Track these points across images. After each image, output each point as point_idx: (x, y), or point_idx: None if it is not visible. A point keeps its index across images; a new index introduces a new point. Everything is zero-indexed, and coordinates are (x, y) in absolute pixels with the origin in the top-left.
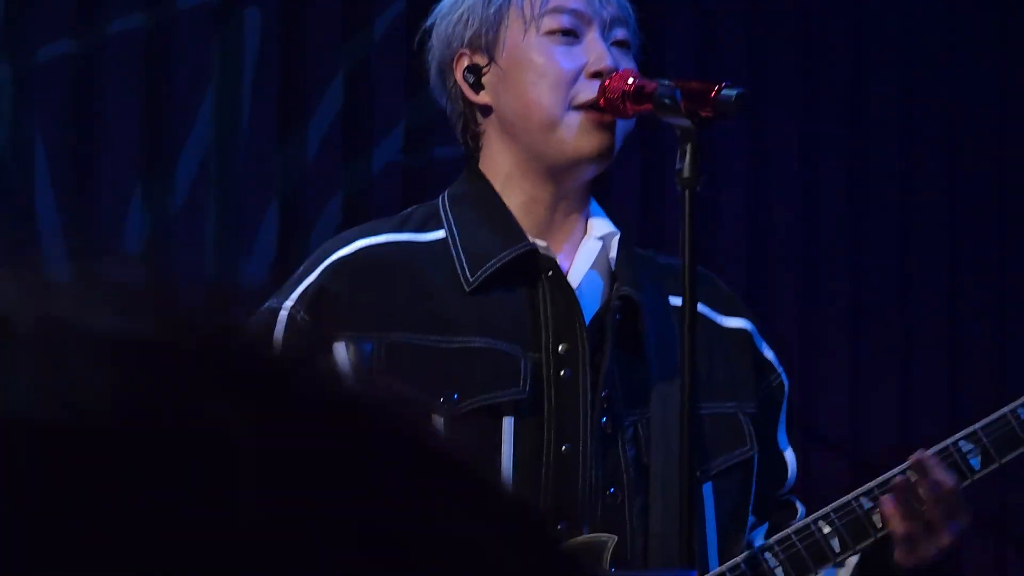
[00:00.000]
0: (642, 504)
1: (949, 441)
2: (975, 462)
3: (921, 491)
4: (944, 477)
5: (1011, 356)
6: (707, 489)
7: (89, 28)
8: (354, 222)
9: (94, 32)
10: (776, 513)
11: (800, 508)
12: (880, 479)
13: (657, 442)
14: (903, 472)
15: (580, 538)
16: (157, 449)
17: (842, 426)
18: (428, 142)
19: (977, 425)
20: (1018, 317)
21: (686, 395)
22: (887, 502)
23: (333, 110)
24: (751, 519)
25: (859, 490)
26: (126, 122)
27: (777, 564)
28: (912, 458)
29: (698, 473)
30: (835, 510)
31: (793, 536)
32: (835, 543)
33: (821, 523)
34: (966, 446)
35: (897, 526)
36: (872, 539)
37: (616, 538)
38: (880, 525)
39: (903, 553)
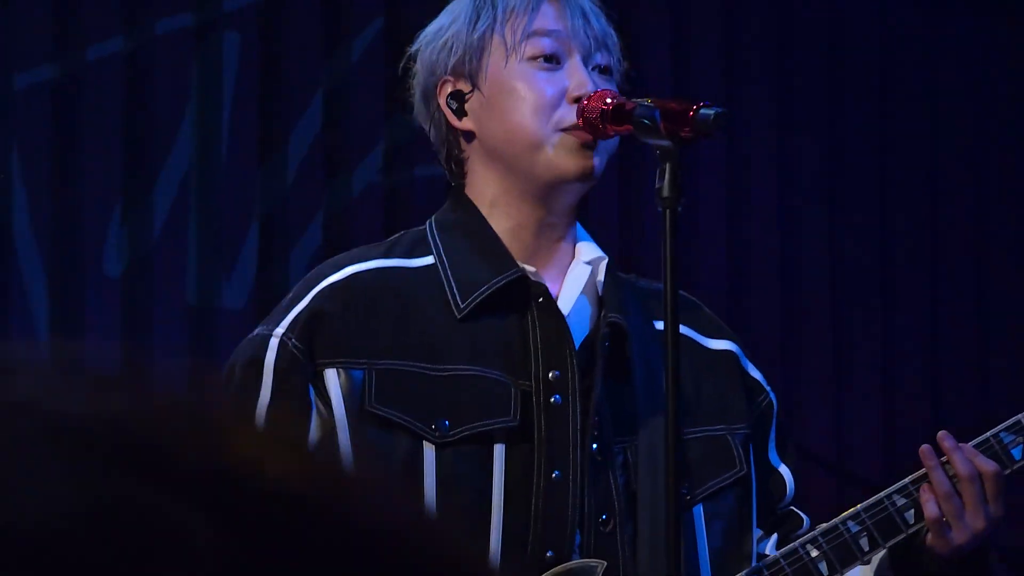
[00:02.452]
0: (632, 531)
1: (990, 433)
2: (1016, 452)
3: (956, 468)
4: (980, 458)
5: (992, 370)
6: (698, 511)
7: (67, 53)
8: (335, 243)
9: (72, 57)
10: (781, 526)
11: (804, 518)
12: (912, 476)
13: (645, 468)
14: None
15: (569, 564)
16: (118, 555)
17: (826, 441)
18: (408, 162)
19: (1021, 415)
20: (1000, 330)
21: (671, 417)
22: (924, 489)
23: (312, 131)
24: (757, 532)
25: (892, 488)
26: (105, 146)
27: (820, 555)
28: (938, 437)
29: (688, 496)
30: (865, 509)
31: (820, 537)
32: (864, 541)
33: (850, 523)
34: (1007, 437)
35: (932, 509)
36: (903, 535)
37: (605, 563)
38: (912, 522)
39: (936, 537)
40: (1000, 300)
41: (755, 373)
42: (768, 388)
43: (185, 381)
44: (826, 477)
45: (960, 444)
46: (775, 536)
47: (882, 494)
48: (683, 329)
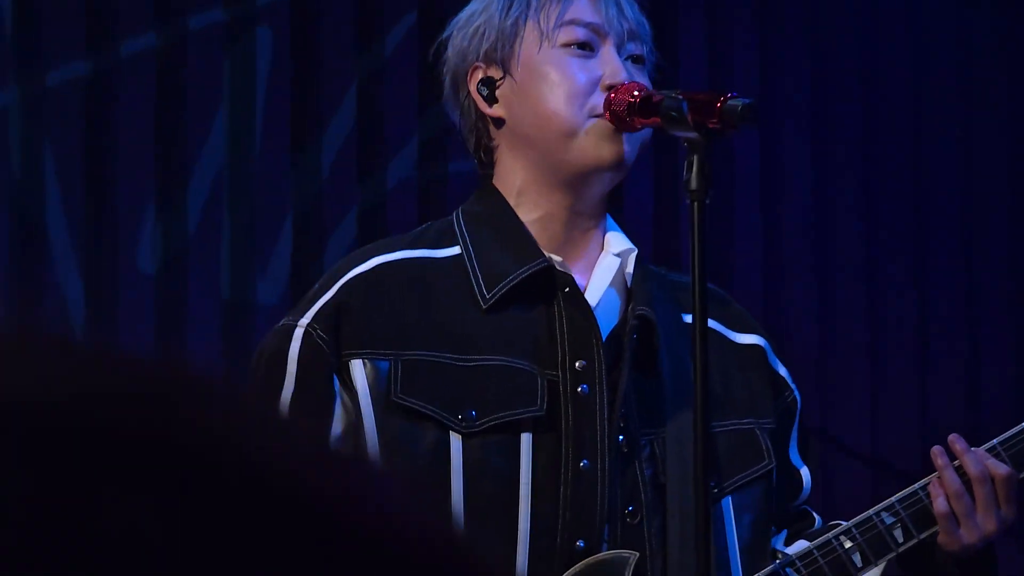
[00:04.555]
0: (660, 523)
1: (1020, 427)
2: None
3: (967, 469)
4: (991, 460)
5: None
6: (726, 504)
7: (100, 50)
8: (369, 238)
9: (105, 54)
10: (794, 523)
11: (817, 517)
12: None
13: (673, 461)
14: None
15: (601, 555)
16: (62, 548)
17: (862, 436)
18: (442, 157)
19: None
20: None
21: (698, 409)
22: (934, 484)
23: (346, 127)
24: (771, 528)
25: (925, 479)
26: (138, 143)
27: (854, 546)
28: (949, 440)
29: (716, 489)
30: (900, 500)
31: (854, 528)
32: (898, 533)
33: (884, 514)
34: None
35: (941, 504)
36: (937, 527)
37: (638, 555)
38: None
39: (946, 536)
40: None
41: (781, 370)
42: (793, 385)
43: (149, 358)
44: (862, 470)
45: (972, 448)
46: (784, 532)
47: (916, 485)
48: (711, 323)
